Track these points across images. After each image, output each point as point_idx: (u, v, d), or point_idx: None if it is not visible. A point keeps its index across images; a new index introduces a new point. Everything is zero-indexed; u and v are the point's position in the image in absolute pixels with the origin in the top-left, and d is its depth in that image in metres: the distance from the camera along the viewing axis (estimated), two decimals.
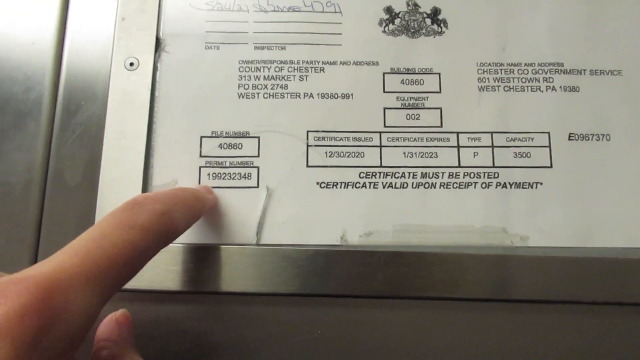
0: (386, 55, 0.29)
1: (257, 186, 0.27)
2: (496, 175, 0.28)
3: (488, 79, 0.29)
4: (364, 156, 0.28)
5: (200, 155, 0.28)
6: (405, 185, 0.28)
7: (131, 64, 0.28)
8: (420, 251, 0.27)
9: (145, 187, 0.27)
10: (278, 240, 0.27)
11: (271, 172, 0.28)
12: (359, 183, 0.28)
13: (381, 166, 0.28)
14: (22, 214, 0.27)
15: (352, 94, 0.29)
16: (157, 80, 0.29)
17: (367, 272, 0.26)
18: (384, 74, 0.29)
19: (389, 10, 0.30)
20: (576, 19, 0.30)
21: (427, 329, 0.26)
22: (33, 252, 0.27)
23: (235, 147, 0.28)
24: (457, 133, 0.28)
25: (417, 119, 0.28)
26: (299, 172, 0.28)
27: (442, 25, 0.30)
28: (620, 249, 0.27)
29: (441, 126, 0.28)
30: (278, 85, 0.29)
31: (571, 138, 0.28)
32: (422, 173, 0.28)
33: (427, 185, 0.28)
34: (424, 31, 0.30)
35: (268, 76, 0.29)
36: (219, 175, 0.28)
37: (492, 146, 0.28)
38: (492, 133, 0.28)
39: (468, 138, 0.28)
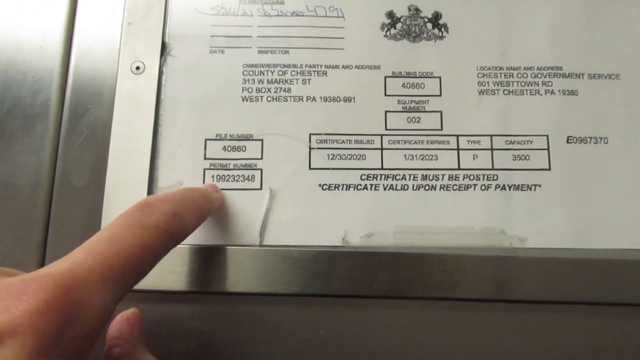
0: (388, 59, 0.30)
1: (261, 188, 0.28)
2: (495, 177, 0.28)
3: (488, 82, 0.29)
4: (365, 158, 0.28)
5: (205, 158, 0.28)
6: (406, 187, 0.28)
7: (137, 68, 0.29)
8: (421, 252, 0.27)
9: (150, 189, 0.28)
10: (281, 241, 0.27)
11: (274, 174, 0.28)
12: (361, 185, 0.28)
13: (382, 168, 0.28)
14: (29, 215, 0.27)
15: (354, 97, 0.29)
16: (163, 83, 0.29)
17: (368, 272, 0.26)
18: (385, 77, 0.29)
19: (390, 14, 0.30)
20: (575, 24, 0.30)
21: (427, 329, 0.26)
22: (40, 253, 0.27)
23: (239, 149, 0.28)
24: (457, 136, 0.29)
25: (417, 122, 0.29)
26: (302, 174, 0.28)
27: (443, 29, 0.30)
28: (618, 250, 0.27)
29: (441, 129, 0.29)
30: (281, 88, 0.29)
31: (569, 141, 0.28)
32: (422, 175, 0.28)
33: (427, 188, 0.28)
34: (425, 35, 0.30)
35: (271, 80, 0.29)
36: (223, 177, 0.28)
37: (492, 149, 0.28)
38: (491, 136, 0.29)
39: (468, 141, 0.28)
